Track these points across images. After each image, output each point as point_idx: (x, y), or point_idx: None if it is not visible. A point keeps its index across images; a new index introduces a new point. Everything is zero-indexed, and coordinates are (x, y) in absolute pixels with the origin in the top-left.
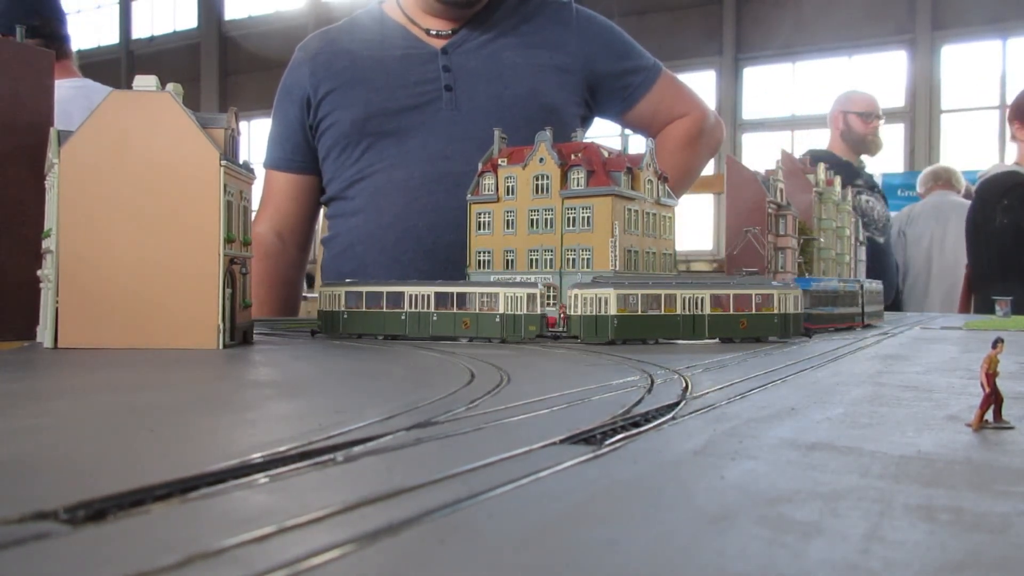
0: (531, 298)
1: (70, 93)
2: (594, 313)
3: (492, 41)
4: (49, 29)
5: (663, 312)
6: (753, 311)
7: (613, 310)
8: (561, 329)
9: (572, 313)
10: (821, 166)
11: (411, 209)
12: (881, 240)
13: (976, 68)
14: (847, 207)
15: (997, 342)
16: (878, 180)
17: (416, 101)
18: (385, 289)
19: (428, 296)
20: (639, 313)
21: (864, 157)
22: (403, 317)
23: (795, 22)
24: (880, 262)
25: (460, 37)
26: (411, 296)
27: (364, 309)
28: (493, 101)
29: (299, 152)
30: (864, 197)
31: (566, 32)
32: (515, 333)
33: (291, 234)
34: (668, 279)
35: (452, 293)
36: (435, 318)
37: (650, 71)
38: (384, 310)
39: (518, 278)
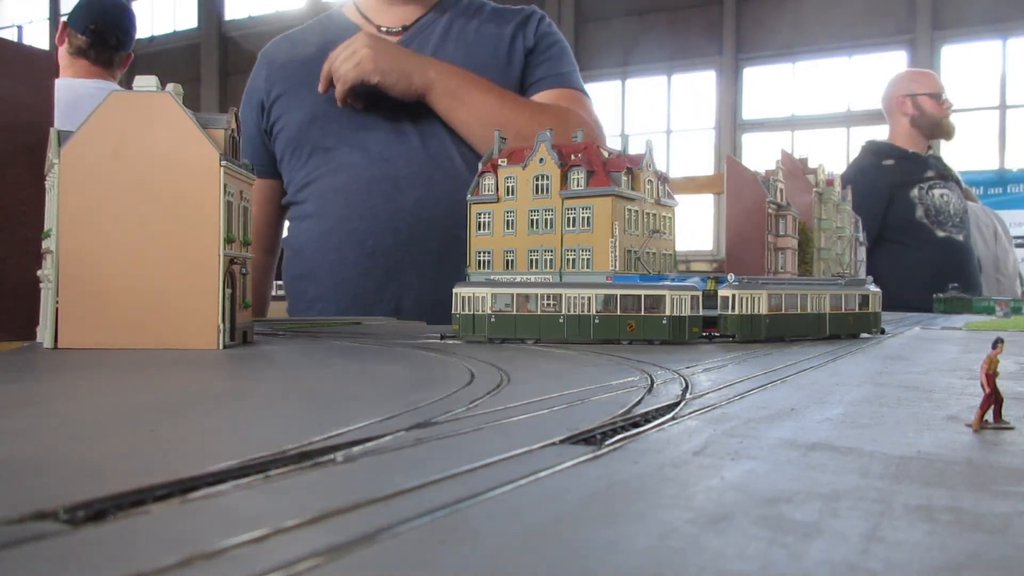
0: (694, 300)
1: (92, 92)
2: (749, 313)
3: (443, 39)
4: (104, 36)
5: (799, 312)
6: (856, 310)
7: (764, 309)
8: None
9: (729, 313)
10: (821, 166)
11: (352, 213)
12: (960, 237)
13: (976, 68)
14: (847, 207)
15: (997, 342)
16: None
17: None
18: (540, 291)
19: (589, 299)
20: (783, 312)
21: (926, 144)
22: (561, 320)
23: (795, 22)
24: (954, 260)
25: (410, 35)
26: (570, 299)
27: (516, 312)
28: None
29: (259, 156)
30: (937, 191)
31: (515, 39)
32: (680, 335)
33: (255, 237)
34: (800, 280)
35: (616, 295)
36: (597, 321)
37: (559, 79)
38: (540, 313)
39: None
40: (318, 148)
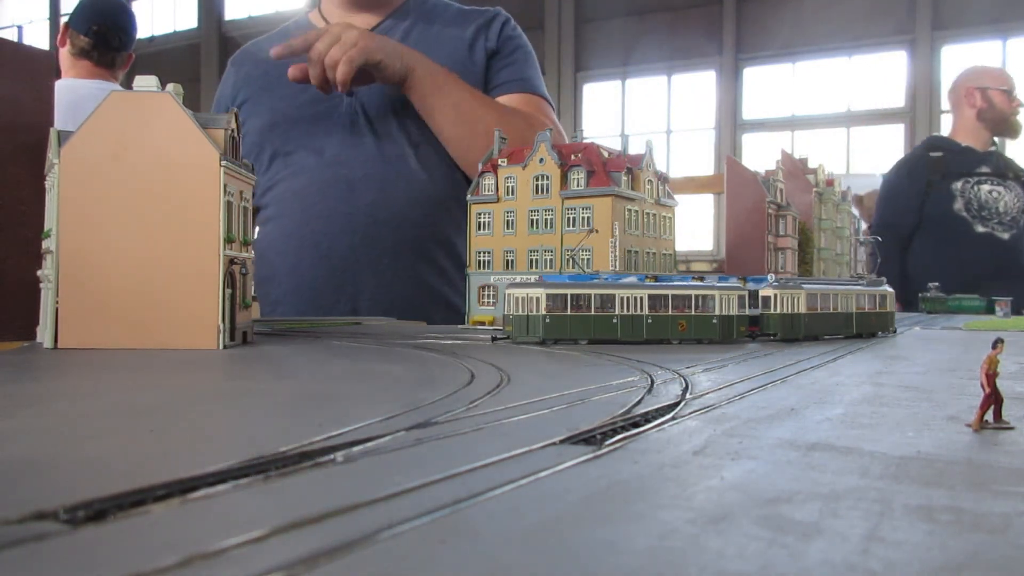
0: (741, 299)
1: (94, 93)
2: (789, 312)
3: (404, 41)
4: (106, 37)
5: (832, 311)
6: (876, 310)
7: (803, 309)
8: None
9: (771, 312)
10: (821, 166)
11: (308, 216)
12: (1005, 236)
13: None
14: (847, 207)
15: (997, 342)
16: (878, 181)
17: (317, 108)
18: (594, 291)
19: (641, 298)
20: (819, 311)
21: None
22: (615, 320)
23: (795, 22)
24: (995, 258)
25: None
26: (623, 298)
27: (570, 313)
28: (396, 102)
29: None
30: (987, 187)
31: (476, 41)
32: (728, 334)
33: None
34: (831, 281)
35: (668, 295)
36: (650, 321)
37: (522, 83)
38: (593, 313)
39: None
40: (279, 152)
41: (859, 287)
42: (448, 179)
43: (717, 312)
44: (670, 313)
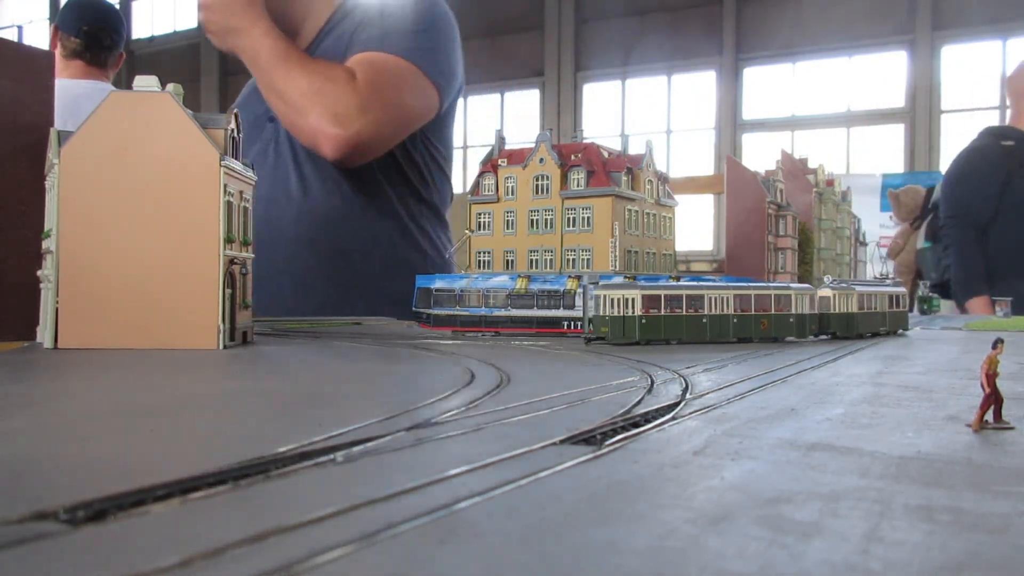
0: (812, 299)
1: (88, 92)
2: (846, 311)
3: None
4: (98, 37)
5: (875, 310)
6: (900, 309)
7: (856, 308)
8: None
9: (831, 312)
10: (821, 166)
11: (259, 229)
12: None
13: (976, 68)
14: (847, 207)
15: (997, 343)
16: (878, 181)
17: (251, 132)
18: (685, 292)
19: (728, 298)
20: (866, 310)
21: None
22: (704, 320)
23: (795, 22)
24: None
25: None
26: (711, 299)
27: (663, 313)
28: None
29: None
30: None
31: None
32: (803, 332)
33: None
34: (871, 283)
35: (751, 296)
36: (735, 320)
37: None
38: (684, 314)
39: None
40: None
41: (889, 288)
42: (334, 194)
43: (794, 311)
44: (753, 312)
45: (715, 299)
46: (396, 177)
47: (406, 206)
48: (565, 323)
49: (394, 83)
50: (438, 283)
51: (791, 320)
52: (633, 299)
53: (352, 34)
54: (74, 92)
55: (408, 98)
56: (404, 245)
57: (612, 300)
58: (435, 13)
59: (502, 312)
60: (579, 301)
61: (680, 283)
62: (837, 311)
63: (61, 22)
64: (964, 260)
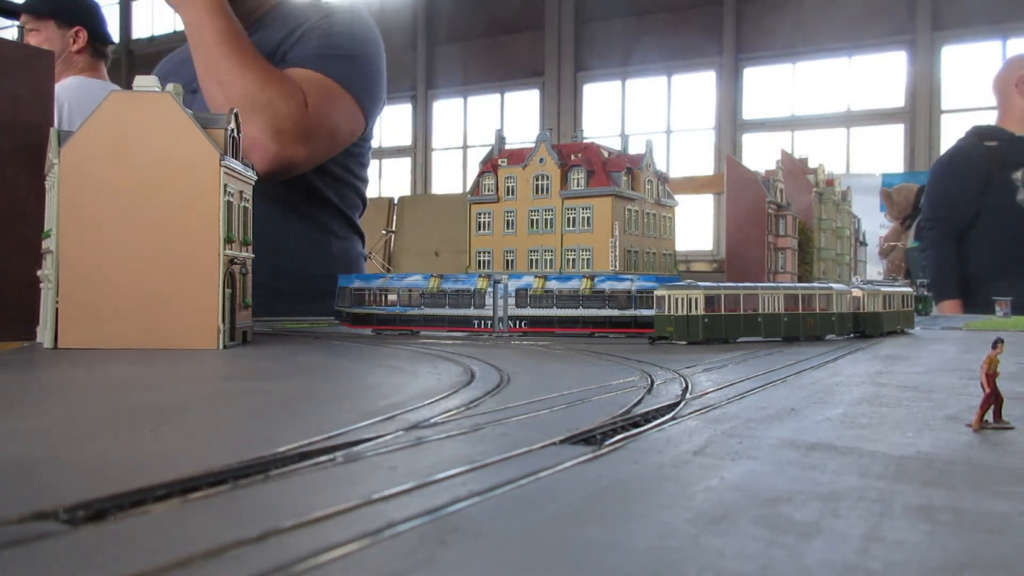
0: (851, 299)
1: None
2: (873, 311)
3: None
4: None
5: (893, 310)
6: (907, 308)
7: (881, 308)
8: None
9: (861, 311)
10: (821, 166)
11: None
12: None
13: (976, 68)
14: (847, 207)
15: (997, 342)
16: (878, 181)
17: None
18: (742, 292)
19: (778, 298)
20: (887, 310)
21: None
22: (759, 320)
23: (795, 22)
24: None
25: None
26: (764, 298)
27: (724, 312)
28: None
29: None
30: None
31: (292, 35)
32: (844, 330)
33: None
34: (886, 283)
35: (797, 295)
36: (786, 319)
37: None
38: (742, 313)
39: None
40: None
41: (900, 288)
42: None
43: (835, 310)
44: (800, 311)
45: (768, 299)
46: (311, 186)
47: (322, 213)
48: (476, 322)
49: (335, 112)
50: (356, 283)
51: (833, 319)
52: (696, 299)
53: (282, 41)
54: (103, 92)
55: (343, 125)
56: (318, 249)
57: (677, 300)
58: (368, 38)
59: (416, 311)
60: (489, 300)
61: (734, 284)
62: (866, 310)
63: (96, 26)
64: (939, 263)
